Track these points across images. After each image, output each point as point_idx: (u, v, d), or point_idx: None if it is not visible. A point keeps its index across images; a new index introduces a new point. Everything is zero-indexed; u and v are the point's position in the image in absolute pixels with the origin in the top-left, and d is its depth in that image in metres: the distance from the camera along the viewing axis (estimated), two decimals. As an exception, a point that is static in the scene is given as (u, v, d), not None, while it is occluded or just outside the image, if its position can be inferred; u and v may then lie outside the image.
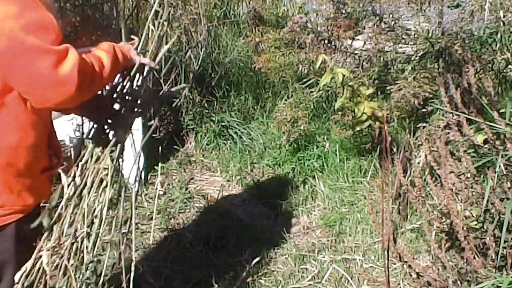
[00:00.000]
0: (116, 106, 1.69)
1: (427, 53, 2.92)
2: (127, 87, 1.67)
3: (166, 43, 1.80)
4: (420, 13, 3.17)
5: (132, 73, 1.63)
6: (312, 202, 2.96)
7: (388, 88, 2.92)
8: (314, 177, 3.10)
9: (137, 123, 3.11)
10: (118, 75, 1.66)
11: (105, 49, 1.53)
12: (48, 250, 1.47)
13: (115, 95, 1.66)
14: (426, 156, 2.13)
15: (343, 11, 3.10)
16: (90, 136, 1.67)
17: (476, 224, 1.90)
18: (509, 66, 3.03)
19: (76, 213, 1.56)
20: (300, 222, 2.84)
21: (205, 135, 3.55)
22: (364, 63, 3.16)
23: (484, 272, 1.72)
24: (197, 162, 3.43)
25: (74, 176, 1.63)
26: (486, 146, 2.02)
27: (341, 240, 2.65)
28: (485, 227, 1.83)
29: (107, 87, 1.66)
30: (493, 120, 1.99)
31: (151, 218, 2.82)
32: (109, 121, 1.66)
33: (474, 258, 1.74)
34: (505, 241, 1.67)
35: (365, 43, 3.08)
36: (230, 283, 2.34)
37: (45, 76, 1.30)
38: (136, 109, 1.71)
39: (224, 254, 2.57)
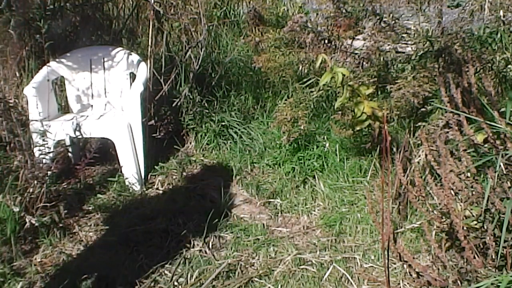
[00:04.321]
0: None
1: (427, 52, 2.92)
2: None
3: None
4: (420, 12, 3.17)
5: None
6: (312, 202, 2.96)
7: (388, 87, 2.92)
8: (314, 177, 3.10)
9: (137, 123, 3.12)
10: None
11: None
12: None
13: None
14: (426, 155, 2.13)
15: (343, 11, 3.10)
16: None
17: (476, 224, 1.90)
18: (509, 66, 3.03)
19: None
20: (300, 222, 2.84)
21: (205, 135, 3.55)
22: (364, 63, 3.16)
23: (484, 271, 1.72)
24: (197, 162, 3.44)
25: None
26: (486, 145, 2.02)
27: (341, 240, 2.65)
28: (485, 227, 1.83)
29: None
30: (493, 120, 1.99)
31: (151, 218, 2.82)
32: None
33: (474, 257, 1.74)
34: (505, 241, 1.67)
35: (364, 40, 3.08)
36: (230, 283, 2.35)
37: None
38: None
39: (224, 254, 2.57)
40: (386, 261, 2.01)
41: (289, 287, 2.34)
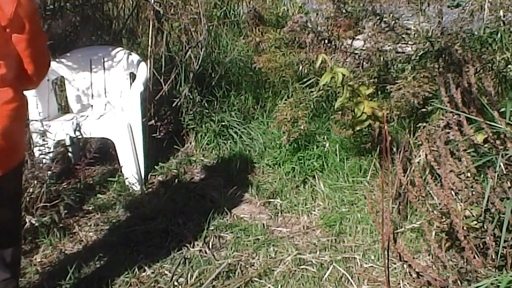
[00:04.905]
0: None
1: (427, 52, 2.92)
2: None
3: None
4: (420, 12, 3.17)
5: None
6: (312, 202, 2.96)
7: (388, 87, 2.92)
8: (314, 177, 3.10)
9: (137, 123, 3.12)
10: None
11: None
12: None
13: None
14: (426, 155, 2.13)
15: (343, 11, 3.10)
16: None
17: (476, 224, 1.90)
18: (509, 66, 3.03)
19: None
20: (300, 222, 2.84)
21: (205, 135, 3.55)
22: (364, 63, 3.16)
23: (484, 271, 1.72)
24: (197, 162, 3.44)
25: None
26: (486, 145, 2.02)
27: (341, 240, 2.65)
28: (485, 227, 1.83)
29: None
30: (493, 120, 1.99)
31: (151, 218, 2.82)
32: None
33: (474, 257, 1.74)
34: (505, 241, 1.67)
35: (365, 42, 3.08)
36: (230, 283, 2.34)
37: None
38: None
39: (224, 254, 2.57)
40: (386, 261, 2.01)
41: (289, 287, 2.34)
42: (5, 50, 1.62)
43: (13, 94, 1.65)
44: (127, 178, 3.09)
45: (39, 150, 2.83)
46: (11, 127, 1.64)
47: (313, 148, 3.26)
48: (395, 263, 2.36)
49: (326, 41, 3.13)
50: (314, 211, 2.90)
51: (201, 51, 3.58)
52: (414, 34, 3.02)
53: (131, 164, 3.09)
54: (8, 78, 1.64)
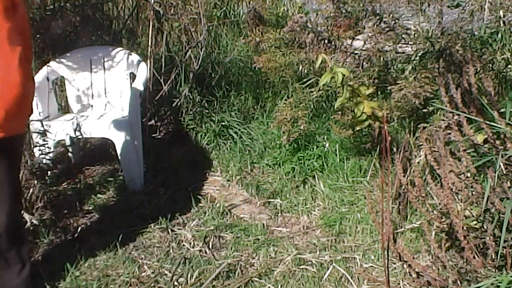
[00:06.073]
0: None
1: (427, 52, 2.92)
2: None
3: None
4: (420, 12, 3.16)
5: None
6: (312, 202, 2.97)
7: (389, 88, 2.92)
8: (314, 177, 3.10)
9: (137, 123, 3.12)
10: None
11: None
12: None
13: None
14: (426, 155, 2.13)
15: (343, 11, 3.10)
16: None
17: (476, 224, 1.90)
18: (509, 66, 3.03)
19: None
20: (300, 222, 2.84)
21: (205, 135, 3.55)
22: (364, 63, 3.16)
23: (484, 271, 1.72)
24: (197, 162, 3.43)
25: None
26: (486, 145, 2.02)
27: (341, 240, 2.65)
28: (485, 227, 1.83)
29: None
30: (493, 120, 1.99)
31: (151, 218, 2.82)
32: None
33: (474, 257, 1.74)
34: (505, 241, 1.67)
35: (365, 42, 3.08)
36: (230, 283, 2.35)
37: None
38: None
39: (224, 254, 2.57)
40: (386, 261, 2.01)
41: (289, 287, 2.35)
42: None
43: None
44: (127, 178, 3.09)
45: (39, 150, 2.83)
46: None
47: (313, 148, 3.26)
48: (395, 263, 2.36)
49: (326, 41, 3.13)
50: (314, 211, 2.90)
51: (201, 51, 3.58)
52: (414, 34, 3.02)
53: (131, 164, 3.09)
54: None
